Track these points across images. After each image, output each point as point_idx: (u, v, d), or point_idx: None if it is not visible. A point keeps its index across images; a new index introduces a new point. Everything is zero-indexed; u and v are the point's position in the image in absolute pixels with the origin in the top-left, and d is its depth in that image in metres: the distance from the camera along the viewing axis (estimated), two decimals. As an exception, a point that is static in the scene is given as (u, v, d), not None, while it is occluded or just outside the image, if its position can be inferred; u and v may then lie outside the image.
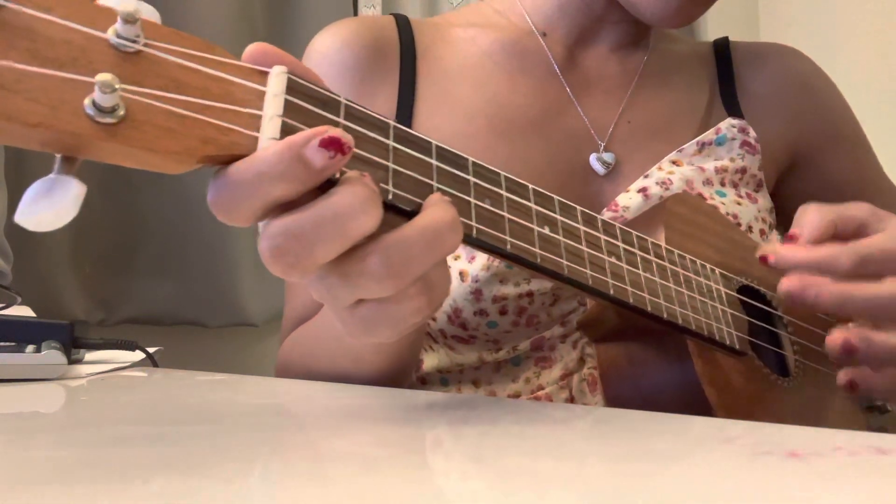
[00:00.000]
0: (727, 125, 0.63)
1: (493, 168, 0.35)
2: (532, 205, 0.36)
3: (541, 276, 0.36)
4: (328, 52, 0.61)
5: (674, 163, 0.60)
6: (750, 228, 0.59)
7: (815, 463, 0.24)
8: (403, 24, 0.64)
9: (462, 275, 0.54)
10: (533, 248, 0.35)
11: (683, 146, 0.61)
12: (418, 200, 0.31)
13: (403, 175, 0.31)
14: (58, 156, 0.26)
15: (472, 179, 0.34)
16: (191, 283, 1.21)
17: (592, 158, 0.60)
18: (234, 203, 0.28)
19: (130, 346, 0.60)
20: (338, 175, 0.29)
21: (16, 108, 0.24)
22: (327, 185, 0.29)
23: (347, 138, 0.28)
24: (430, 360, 0.60)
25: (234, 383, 0.49)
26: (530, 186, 0.37)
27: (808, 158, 0.68)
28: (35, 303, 0.83)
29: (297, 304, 0.61)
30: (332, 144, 0.28)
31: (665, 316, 0.41)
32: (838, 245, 0.42)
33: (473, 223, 0.33)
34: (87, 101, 0.25)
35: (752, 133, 0.64)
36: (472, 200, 0.33)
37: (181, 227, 1.20)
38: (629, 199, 0.57)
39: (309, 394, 0.44)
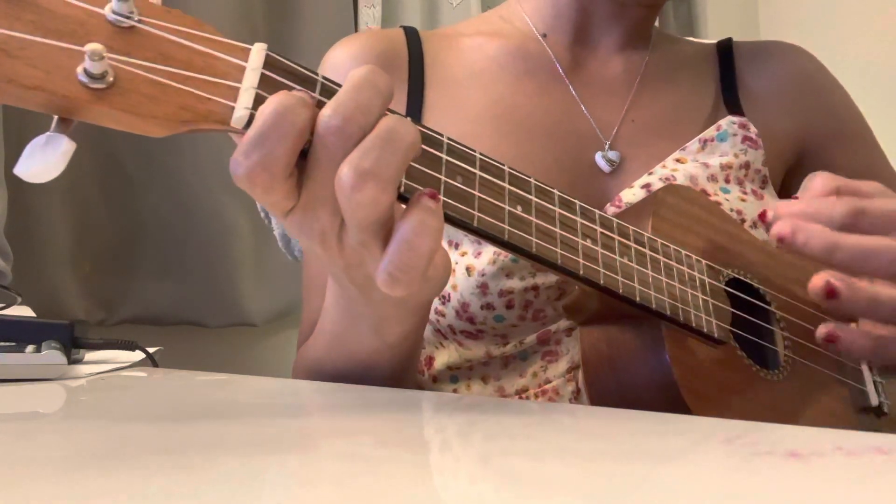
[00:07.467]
0: (727, 122, 0.64)
1: (469, 148, 0.37)
2: (506, 185, 0.38)
3: (510, 252, 0.38)
4: (340, 64, 0.64)
5: (678, 160, 0.61)
6: (755, 225, 0.59)
7: (815, 463, 0.24)
8: (412, 36, 0.66)
9: (469, 270, 0.55)
10: (501, 225, 0.37)
11: (686, 144, 0.62)
12: None
13: None
14: (55, 117, 0.29)
15: (446, 157, 0.36)
16: (191, 283, 1.21)
17: (598, 157, 0.61)
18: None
19: (130, 346, 0.60)
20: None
21: (16, 72, 0.27)
22: None
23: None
24: (441, 358, 0.61)
25: (234, 383, 0.49)
26: (506, 168, 0.38)
27: (815, 154, 0.68)
28: (35, 303, 0.84)
29: (313, 307, 0.61)
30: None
31: (637, 299, 0.42)
32: (836, 197, 0.42)
33: (441, 197, 0.35)
34: (79, 69, 0.28)
35: (753, 129, 0.64)
36: (443, 177, 0.36)
37: (181, 227, 1.20)
38: (633, 195, 0.58)
39: (309, 394, 0.44)
